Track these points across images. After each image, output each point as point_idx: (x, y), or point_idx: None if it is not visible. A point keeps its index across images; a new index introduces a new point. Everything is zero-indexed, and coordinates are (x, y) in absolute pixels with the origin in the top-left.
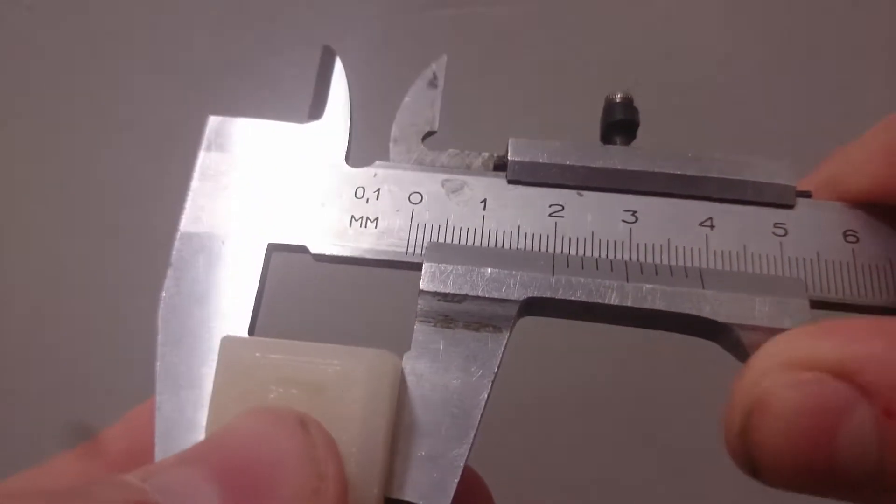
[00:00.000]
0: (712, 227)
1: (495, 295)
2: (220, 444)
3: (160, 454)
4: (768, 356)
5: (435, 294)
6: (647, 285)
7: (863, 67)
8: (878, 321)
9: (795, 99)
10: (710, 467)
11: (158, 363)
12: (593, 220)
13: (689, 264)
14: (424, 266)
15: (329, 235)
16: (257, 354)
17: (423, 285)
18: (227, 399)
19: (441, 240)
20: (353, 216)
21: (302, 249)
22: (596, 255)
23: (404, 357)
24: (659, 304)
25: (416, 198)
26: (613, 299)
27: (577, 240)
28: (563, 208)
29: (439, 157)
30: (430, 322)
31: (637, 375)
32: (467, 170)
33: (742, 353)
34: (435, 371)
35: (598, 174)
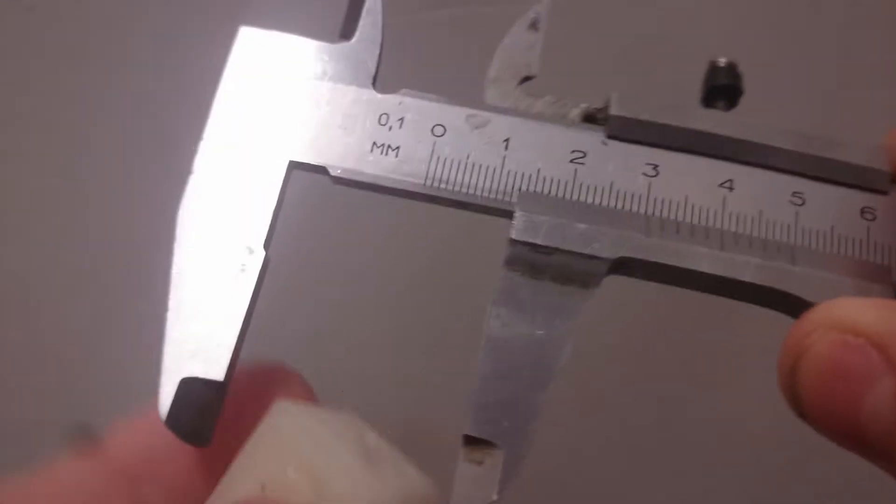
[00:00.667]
0: (803, 202)
1: (587, 251)
2: None
3: (168, 354)
4: (826, 313)
5: (525, 244)
6: (740, 256)
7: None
8: None
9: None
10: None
11: (174, 264)
12: (688, 185)
13: (776, 237)
14: (516, 215)
15: (350, 159)
16: (302, 431)
17: (513, 234)
18: (254, 454)
19: (459, 176)
20: (374, 142)
21: (321, 170)
22: (689, 219)
23: (490, 302)
24: (749, 276)
25: (438, 130)
26: (706, 267)
27: (667, 202)
28: (656, 168)
29: (535, 104)
30: (517, 271)
31: (637, 376)
32: (563, 119)
33: None
34: (520, 319)
35: (699, 138)
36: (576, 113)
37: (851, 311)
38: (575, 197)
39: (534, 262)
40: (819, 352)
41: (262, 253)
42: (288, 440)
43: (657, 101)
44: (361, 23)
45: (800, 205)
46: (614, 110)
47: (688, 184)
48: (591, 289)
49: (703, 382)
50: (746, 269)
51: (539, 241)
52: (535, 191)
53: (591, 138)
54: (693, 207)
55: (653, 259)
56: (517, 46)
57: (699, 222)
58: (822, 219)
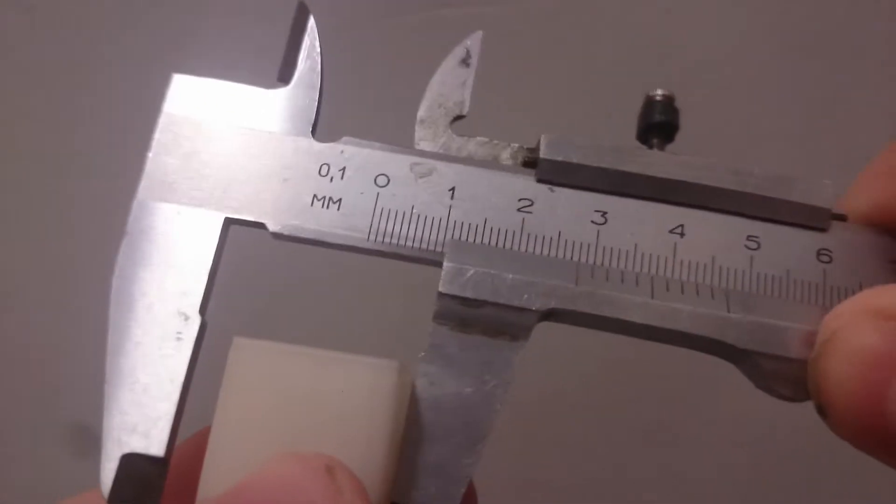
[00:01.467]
0: (758, 247)
1: (516, 303)
2: (248, 492)
3: (108, 428)
4: (856, 300)
5: (454, 297)
6: (674, 304)
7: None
8: None
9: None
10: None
11: (109, 334)
12: (634, 233)
13: (729, 285)
14: (444, 265)
15: (289, 214)
16: (267, 360)
17: (442, 287)
18: (234, 402)
19: (405, 228)
20: (315, 195)
21: (260, 226)
22: (636, 267)
23: (419, 358)
24: (681, 325)
25: (382, 180)
26: (637, 317)
27: (616, 251)
28: (605, 217)
29: (467, 145)
30: (445, 325)
31: (636, 377)
32: (495, 160)
33: (759, 378)
34: (449, 376)
35: (646, 182)
36: (507, 154)
37: (884, 297)
38: (524, 248)
39: (463, 315)
40: (846, 336)
41: (198, 319)
42: (258, 373)
43: (591, 141)
44: (299, 66)
45: (755, 249)
46: (544, 153)
47: (637, 231)
48: (520, 341)
49: (703, 382)
50: (679, 317)
51: (468, 294)
52: (474, 241)
53: (541, 187)
54: (643, 255)
55: (582, 310)
56: (448, 84)
57: (648, 271)
58: (777, 263)
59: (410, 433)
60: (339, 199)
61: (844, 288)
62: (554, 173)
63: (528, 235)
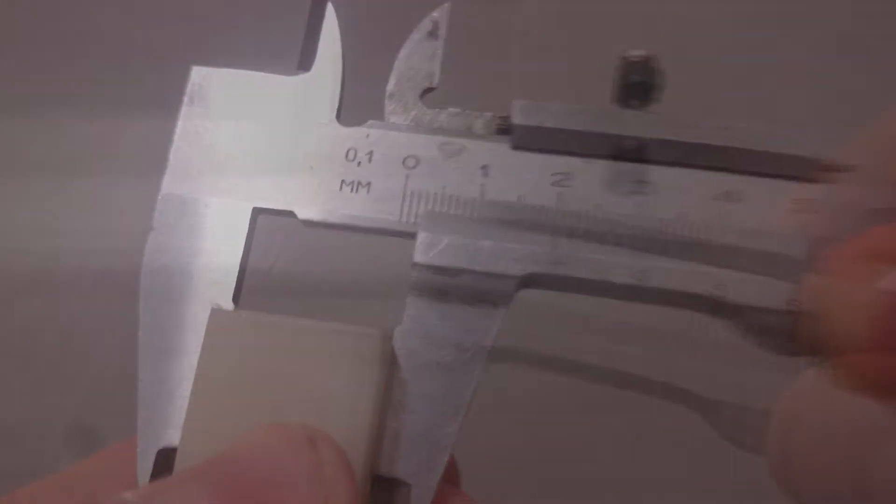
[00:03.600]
0: (739, 199)
1: (493, 269)
2: (228, 463)
3: (143, 424)
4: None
5: (429, 267)
6: (658, 263)
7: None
8: None
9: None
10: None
11: (140, 332)
12: (601, 192)
13: (700, 237)
14: (419, 236)
15: (318, 200)
16: (245, 330)
17: (416, 257)
18: (212, 374)
19: (437, 208)
20: (343, 180)
21: (289, 214)
22: (602, 228)
23: (395, 331)
24: (662, 282)
25: (411, 162)
26: (620, 277)
27: (579, 213)
28: (568, 177)
29: (438, 117)
30: (423, 295)
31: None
32: (468, 131)
33: (752, 336)
34: (427, 346)
35: (613, 141)
36: (480, 123)
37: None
38: (560, 223)
39: (440, 285)
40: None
41: (232, 308)
42: (238, 343)
43: (565, 107)
44: (319, 51)
45: (736, 201)
46: (516, 119)
47: (600, 191)
48: (500, 308)
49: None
50: (666, 274)
51: (444, 263)
52: (510, 220)
53: (576, 160)
54: (606, 215)
55: (562, 273)
56: (416, 56)
57: (611, 229)
58: (754, 216)
59: (390, 404)
60: (368, 183)
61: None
62: (528, 139)
63: (565, 211)
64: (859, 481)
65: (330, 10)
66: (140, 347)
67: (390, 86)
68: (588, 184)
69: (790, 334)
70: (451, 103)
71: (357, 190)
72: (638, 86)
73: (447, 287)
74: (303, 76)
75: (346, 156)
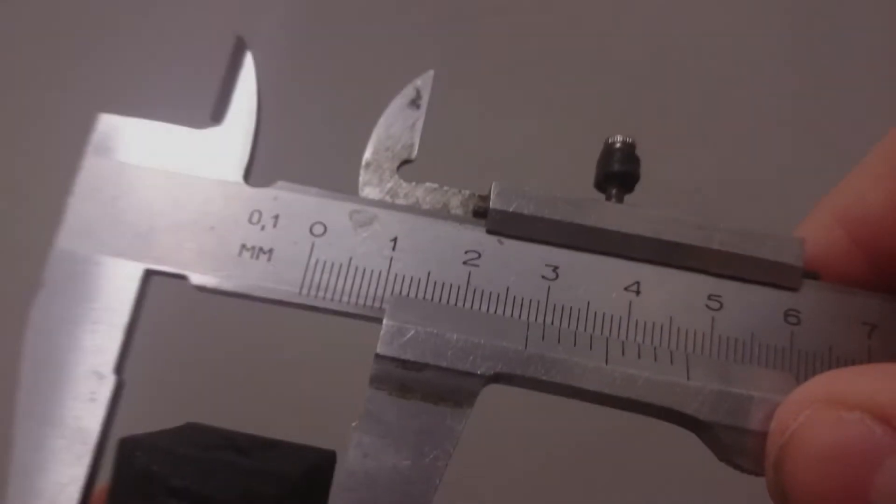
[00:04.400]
0: (720, 307)
1: (460, 367)
2: None
3: (14, 494)
4: (810, 391)
5: (393, 360)
6: (628, 370)
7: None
8: None
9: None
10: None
11: (20, 392)
12: (586, 289)
13: (689, 349)
14: (384, 325)
15: (215, 265)
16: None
17: (380, 348)
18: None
19: (341, 282)
20: (244, 244)
21: (182, 278)
22: (582, 327)
23: (352, 427)
24: (637, 394)
25: (318, 229)
26: (590, 384)
27: (567, 309)
28: (556, 272)
29: (415, 191)
30: (383, 389)
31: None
32: (444, 208)
33: (721, 450)
34: (384, 448)
35: (601, 235)
36: (457, 201)
37: (843, 383)
38: (469, 304)
39: (402, 379)
40: (809, 435)
41: (113, 378)
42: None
43: (545, 191)
44: (234, 103)
45: (717, 309)
46: (494, 203)
47: (590, 288)
48: (464, 408)
49: None
50: (634, 385)
51: (408, 356)
52: (417, 296)
53: (489, 238)
54: (596, 314)
55: (532, 375)
56: (396, 126)
57: (601, 332)
58: (740, 325)
59: None
60: (270, 250)
61: (813, 352)
62: (505, 225)
63: (475, 291)
64: (860, 501)
65: (248, 60)
66: (18, 409)
67: (367, 155)
68: (579, 279)
69: (757, 454)
70: (429, 177)
71: (258, 256)
72: (618, 175)
73: (410, 382)
74: (213, 130)
75: (250, 218)
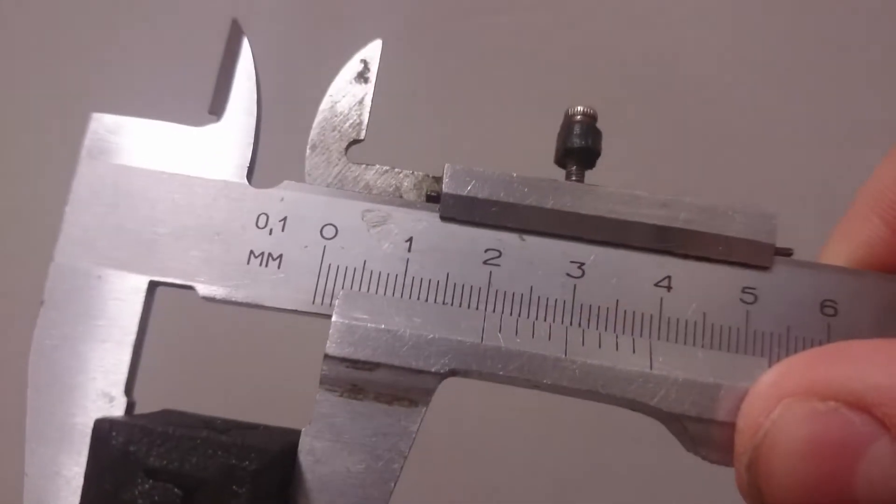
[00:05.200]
0: (669, 287)
1: (413, 365)
2: None
3: None
4: (777, 383)
5: (343, 360)
6: (589, 361)
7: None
8: (890, 344)
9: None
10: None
11: (28, 416)
12: (534, 272)
13: (636, 333)
14: (332, 323)
15: (222, 275)
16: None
17: (329, 348)
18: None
19: (356, 287)
20: (252, 251)
21: (189, 289)
22: (532, 315)
23: (302, 432)
24: (599, 387)
25: (329, 231)
26: (549, 378)
27: (514, 295)
28: (500, 255)
29: (364, 174)
30: (335, 391)
31: None
32: (396, 192)
33: (688, 442)
34: (337, 451)
35: (545, 216)
36: (411, 184)
37: (812, 371)
38: (491, 307)
39: (353, 380)
40: (781, 434)
41: (124, 400)
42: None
43: (500, 172)
44: (233, 96)
45: (667, 289)
46: (447, 187)
47: (537, 272)
48: (420, 407)
49: None
50: (595, 376)
51: (359, 356)
52: (436, 301)
53: (510, 235)
54: (538, 299)
55: (489, 370)
56: (343, 102)
57: (543, 318)
58: (692, 306)
59: None
60: (280, 256)
61: (770, 332)
62: (459, 209)
63: (497, 292)
64: (843, 495)
65: (245, 46)
66: (28, 433)
67: (312, 136)
68: (521, 264)
69: (724, 445)
70: (379, 158)
71: (267, 264)
72: (579, 151)
73: (362, 382)
74: (212, 127)
75: (257, 222)
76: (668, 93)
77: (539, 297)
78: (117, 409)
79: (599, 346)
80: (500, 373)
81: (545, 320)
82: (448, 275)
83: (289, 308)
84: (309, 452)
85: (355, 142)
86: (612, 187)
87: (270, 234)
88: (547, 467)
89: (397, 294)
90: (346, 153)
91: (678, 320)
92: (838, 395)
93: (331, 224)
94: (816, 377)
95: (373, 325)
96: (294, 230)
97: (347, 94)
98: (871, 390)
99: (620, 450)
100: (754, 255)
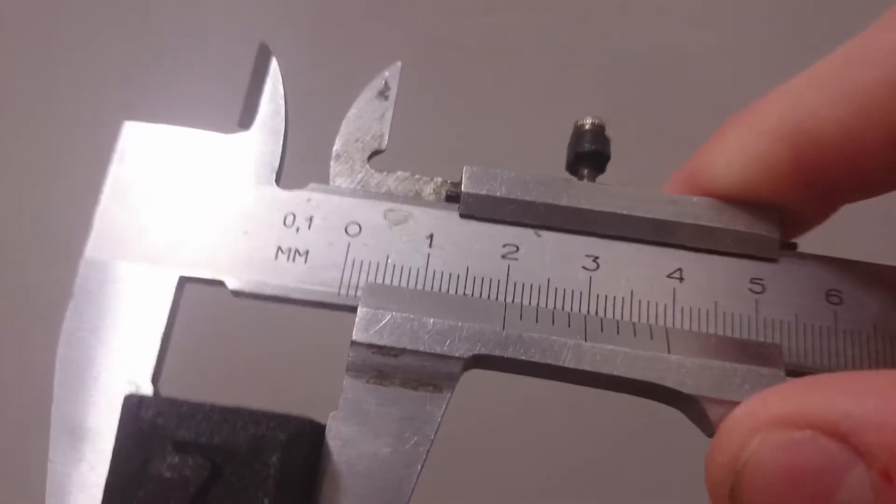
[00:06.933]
0: (682, 279)
1: (438, 350)
2: None
3: None
4: (755, 412)
5: (369, 346)
6: (608, 346)
7: None
8: (869, 376)
9: None
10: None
11: (54, 407)
12: (551, 265)
13: (652, 321)
14: (358, 311)
15: (251, 269)
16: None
17: (355, 335)
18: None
19: (380, 280)
20: (279, 247)
21: (219, 284)
22: (550, 304)
23: (330, 417)
24: (619, 370)
25: (353, 229)
26: (569, 361)
27: (532, 287)
28: (517, 249)
29: (386, 180)
30: (361, 377)
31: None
32: (417, 197)
33: (707, 425)
34: (364, 435)
35: (560, 213)
36: (430, 189)
37: (789, 401)
38: (510, 298)
39: (380, 366)
40: (764, 460)
41: (150, 389)
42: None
43: (516, 176)
44: (261, 109)
45: (679, 280)
46: (466, 187)
47: (554, 264)
48: (444, 392)
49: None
50: (615, 360)
51: (384, 342)
52: (457, 292)
53: (525, 231)
54: (556, 290)
55: (511, 355)
56: (365, 117)
57: (561, 306)
58: (704, 295)
59: (320, 501)
60: (307, 252)
61: (779, 320)
62: (477, 207)
63: (516, 284)
64: None
65: (274, 65)
66: (52, 423)
67: (337, 146)
68: (538, 257)
69: None
70: (400, 166)
71: (294, 259)
72: (589, 155)
73: (387, 368)
74: (242, 135)
75: (284, 221)
76: (675, 92)
77: (556, 289)
78: None
79: (618, 333)
80: (523, 357)
81: (563, 309)
82: (468, 268)
83: (315, 300)
84: (336, 437)
85: (377, 152)
86: (622, 186)
87: (297, 231)
88: (549, 466)
89: (420, 286)
90: (368, 162)
91: (691, 309)
92: (815, 423)
93: (355, 222)
94: (792, 407)
95: (398, 313)
96: (320, 228)
97: (369, 110)
98: (845, 419)
99: (621, 450)
100: (761, 247)
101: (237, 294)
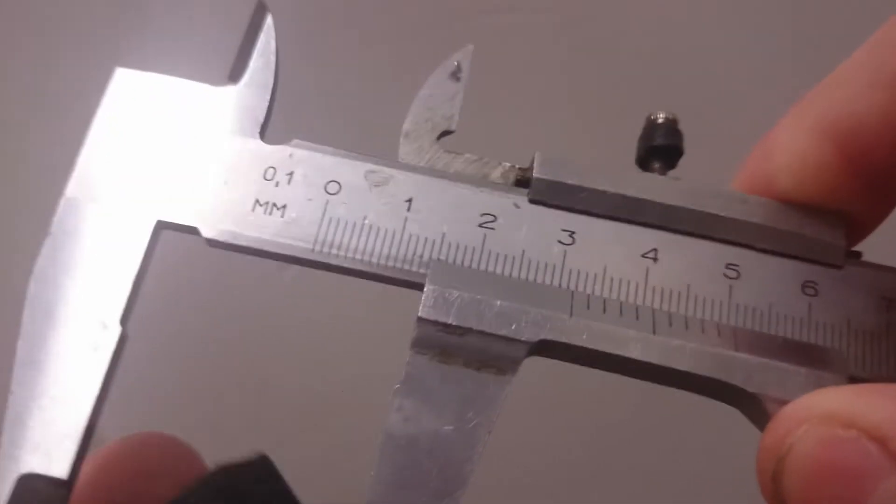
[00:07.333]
0: (738, 276)
1: (504, 332)
2: None
3: (8, 443)
4: (807, 406)
5: (434, 323)
6: (676, 340)
7: None
8: None
9: None
10: None
11: (20, 341)
12: (608, 255)
13: (707, 318)
14: (427, 289)
15: (227, 219)
16: None
17: (422, 311)
18: None
19: (354, 239)
20: (257, 200)
21: (193, 231)
22: (608, 292)
23: (394, 390)
24: (687, 365)
25: (333, 187)
26: (637, 353)
27: (587, 275)
28: (573, 237)
29: (454, 162)
30: (425, 354)
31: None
32: (484, 180)
33: (765, 424)
34: (425, 412)
35: (625, 203)
36: (498, 173)
37: (840, 401)
38: (483, 266)
39: (445, 344)
40: (806, 451)
41: (118, 329)
42: None
43: (588, 162)
44: (251, 64)
45: (734, 278)
46: (537, 172)
47: (607, 253)
48: (507, 375)
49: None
50: (682, 355)
51: (451, 321)
52: (444, 259)
53: (504, 201)
54: (612, 280)
55: (577, 343)
56: (436, 98)
57: (618, 297)
58: (758, 294)
59: (380, 475)
60: (284, 206)
61: (831, 324)
62: (547, 194)
63: (489, 253)
64: None
65: (268, 22)
66: (17, 356)
67: (407, 125)
68: (596, 244)
69: None
70: (469, 149)
71: (271, 212)
72: (661, 149)
73: (452, 347)
74: (231, 87)
75: (265, 175)
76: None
77: (612, 279)
78: (111, 337)
79: (686, 328)
80: (589, 346)
81: (626, 300)
82: (444, 234)
83: (288, 254)
84: (398, 409)
85: (446, 132)
86: (694, 181)
87: (277, 185)
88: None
89: (392, 250)
90: (437, 141)
91: (745, 307)
92: (859, 423)
93: (335, 181)
94: (841, 406)
95: (466, 294)
96: (299, 184)
97: (440, 91)
98: (887, 422)
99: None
100: (826, 254)
101: (211, 243)
